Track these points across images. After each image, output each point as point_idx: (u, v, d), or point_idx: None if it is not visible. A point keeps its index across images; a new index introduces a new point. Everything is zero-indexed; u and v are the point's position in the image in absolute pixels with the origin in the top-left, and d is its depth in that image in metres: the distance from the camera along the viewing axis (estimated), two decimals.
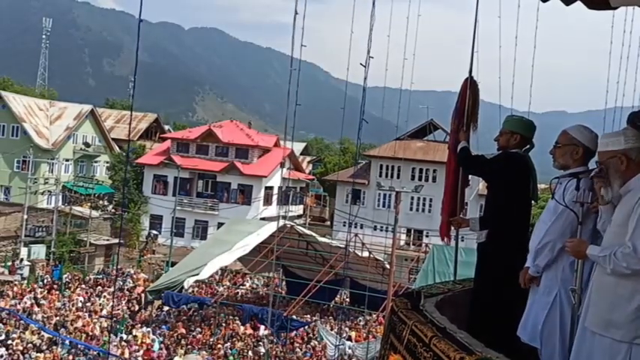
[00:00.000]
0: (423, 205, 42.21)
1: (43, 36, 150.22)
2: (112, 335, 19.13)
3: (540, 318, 3.38)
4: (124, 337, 19.59)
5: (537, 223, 3.58)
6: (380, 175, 42.46)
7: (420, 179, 40.83)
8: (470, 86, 4.54)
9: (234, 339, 20.62)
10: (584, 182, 3.27)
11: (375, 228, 36.48)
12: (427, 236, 39.10)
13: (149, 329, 20.82)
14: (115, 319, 21.15)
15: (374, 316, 23.75)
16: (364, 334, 22.02)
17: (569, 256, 3.27)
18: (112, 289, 27.20)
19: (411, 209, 41.63)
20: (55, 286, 26.15)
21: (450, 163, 4.61)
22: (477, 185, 32.68)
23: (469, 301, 4.03)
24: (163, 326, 21.78)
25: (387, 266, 24.54)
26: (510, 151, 4.02)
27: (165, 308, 23.41)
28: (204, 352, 18.89)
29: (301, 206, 48.27)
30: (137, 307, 24.34)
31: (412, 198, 40.45)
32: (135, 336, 19.68)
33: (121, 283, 28.64)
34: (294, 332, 21.11)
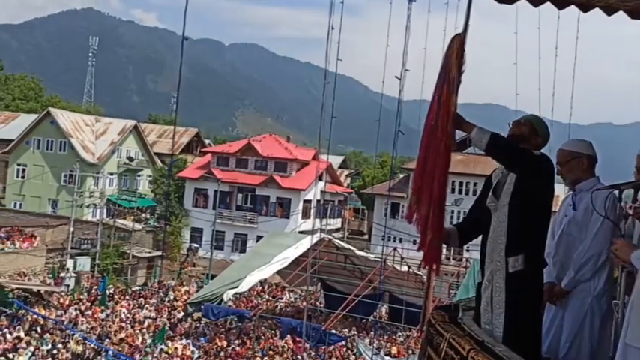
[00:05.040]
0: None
1: (90, 54, 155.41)
2: (151, 346, 19.44)
3: (572, 331, 3.34)
4: (164, 348, 19.85)
5: (563, 237, 3.51)
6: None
7: (460, 192, 40.43)
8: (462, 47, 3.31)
9: (273, 352, 20.65)
10: (628, 194, 3.23)
11: (414, 242, 36.11)
12: (468, 250, 38.53)
13: (189, 341, 21.06)
14: (155, 330, 21.48)
15: (413, 331, 23.46)
16: (403, 350, 21.78)
17: (605, 270, 3.27)
18: (153, 301, 27.64)
19: (451, 223, 40.85)
20: (99, 297, 26.66)
21: (439, 158, 3.23)
22: None
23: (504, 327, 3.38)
24: (202, 338, 21.99)
25: (426, 281, 24.23)
26: (539, 152, 3.39)
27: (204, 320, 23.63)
28: None
29: (339, 220, 48.22)
30: (177, 319, 24.64)
31: (452, 212, 39.99)
32: (176, 348, 19.93)
33: (163, 296, 29.05)
34: (332, 346, 21.02)
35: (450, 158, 3.23)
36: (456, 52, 3.22)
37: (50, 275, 30.98)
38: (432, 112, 3.27)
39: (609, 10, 5.24)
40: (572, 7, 5.22)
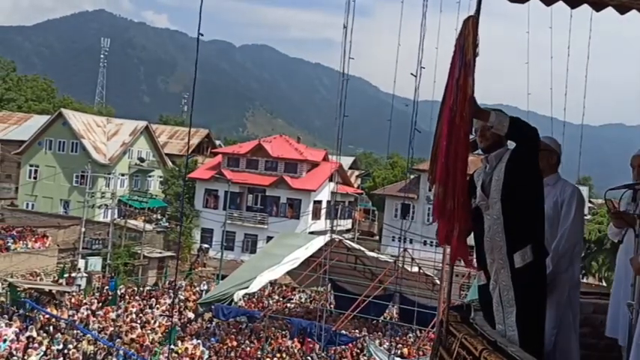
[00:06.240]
0: None
1: (102, 55, 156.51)
2: (163, 346, 19.52)
3: (556, 323, 3.46)
4: (174, 348, 19.91)
5: None
6: (429, 190, 41.90)
7: None
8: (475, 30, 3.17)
9: (283, 353, 20.65)
10: None
11: (424, 243, 36.07)
12: None
13: (199, 341, 21.12)
14: (165, 330, 21.55)
15: (424, 333, 23.39)
16: (414, 351, 21.72)
17: (578, 261, 3.54)
18: (163, 301, 27.72)
19: None
20: (110, 298, 26.80)
21: (459, 146, 3.10)
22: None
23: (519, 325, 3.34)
24: (212, 338, 22.04)
25: (437, 282, 24.18)
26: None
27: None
28: None
29: (350, 220, 48.20)
30: (188, 319, 24.72)
31: None
32: (186, 348, 19.98)
33: (174, 296, 29.13)
34: (343, 347, 20.99)
35: (469, 146, 3.14)
36: (471, 35, 3.11)
37: (58, 275, 31.07)
38: (450, 97, 3.16)
39: (622, 9, 5.19)
40: (585, 6, 5.19)
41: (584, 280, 32.20)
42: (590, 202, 48.72)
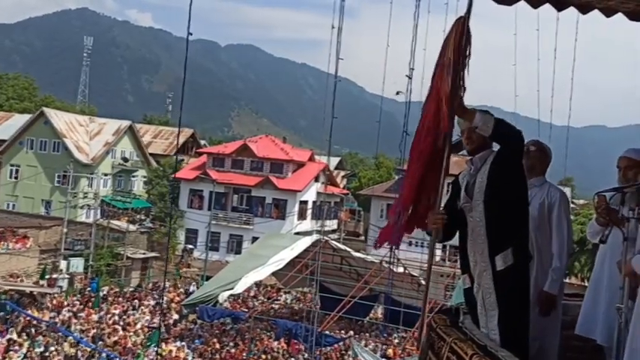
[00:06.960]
0: None
1: (84, 54, 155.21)
2: (146, 348, 19.34)
3: (542, 326, 3.54)
4: (158, 350, 19.73)
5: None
6: None
7: None
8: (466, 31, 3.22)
9: (268, 355, 20.56)
10: (630, 197, 3.22)
11: (410, 243, 36.15)
12: None
13: (183, 343, 20.95)
14: (148, 332, 21.37)
15: (410, 333, 23.42)
16: (399, 351, 21.75)
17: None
18: (147, 303, 27.49)
19: None
20: (92, 299, 26.51)
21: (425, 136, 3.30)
22: None
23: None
24: (197, 340, 21.88)
25: (423, 282, 24.24)
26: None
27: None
28: None
29: (336, 221, 48.19)
30: (173, 321, 24.53)
31: None
32: (170, 350, 19.81)
33: (158, 297, 28.89)
34: (328, 348, 20.95)
35: (432, 140, 3.30)
36: (453, 36, 3.16)
37: (39, 276, 30.64)
38: (430, 97, 3.35)
39: (608, 12, 5.21)
40: (572, 9, 5.20)
41: (567, 280, 32.52)
42: (572, 202, 49.26)
